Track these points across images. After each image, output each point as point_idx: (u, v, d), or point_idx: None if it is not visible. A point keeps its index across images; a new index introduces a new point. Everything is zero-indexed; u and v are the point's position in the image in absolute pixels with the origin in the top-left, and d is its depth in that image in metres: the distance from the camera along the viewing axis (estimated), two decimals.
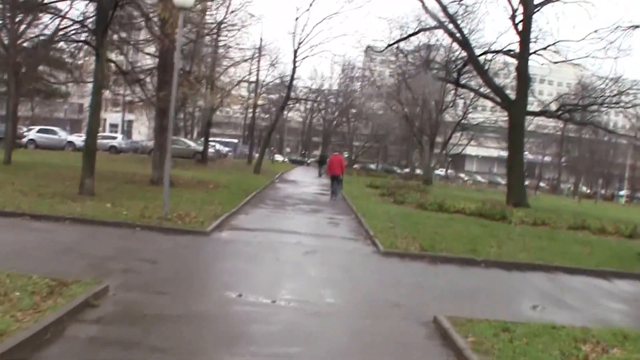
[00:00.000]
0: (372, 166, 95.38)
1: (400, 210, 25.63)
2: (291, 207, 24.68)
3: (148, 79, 32.03)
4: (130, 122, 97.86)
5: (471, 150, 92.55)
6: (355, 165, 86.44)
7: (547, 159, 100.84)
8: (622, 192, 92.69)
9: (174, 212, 17.93)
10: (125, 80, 31.98)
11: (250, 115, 65.85)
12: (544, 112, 39.85)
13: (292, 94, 62.33)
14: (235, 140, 74.13)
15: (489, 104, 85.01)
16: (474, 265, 15.25)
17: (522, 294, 12.85)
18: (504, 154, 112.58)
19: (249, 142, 63.57)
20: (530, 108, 40.69)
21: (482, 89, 43.62)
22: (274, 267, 12.71)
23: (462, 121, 60.92)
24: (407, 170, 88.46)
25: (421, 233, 18.80)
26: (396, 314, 10.03)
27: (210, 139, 58.74)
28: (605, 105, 37.13)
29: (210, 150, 53.03)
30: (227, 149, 64.60)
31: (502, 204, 35.11)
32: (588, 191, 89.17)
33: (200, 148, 50.23)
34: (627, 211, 52.06)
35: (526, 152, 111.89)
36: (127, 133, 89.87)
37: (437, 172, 73.05)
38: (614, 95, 36.13)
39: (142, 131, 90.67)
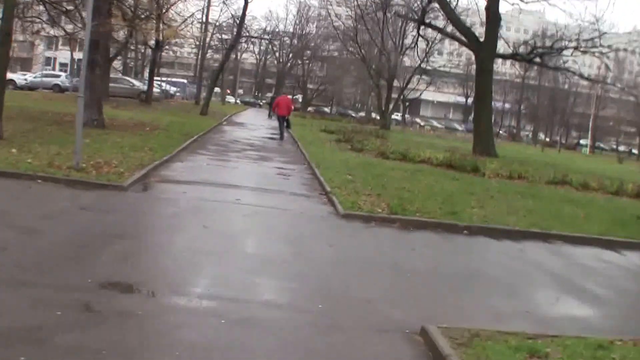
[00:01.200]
0: (326, 109, 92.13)
1: (360, 160, 22.36)
2: (236, 154, 21.24)
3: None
4: (80, 60, 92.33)
5: (427, 95, 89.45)
6: (309, 109, 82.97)
7: (507, 105, 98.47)
8: (583, 142, 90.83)
9: (92, 160, 14.39)
10: (45, 9, 27.76)
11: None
12: (515, 56, 36.44)
13: (245, 34, 58.44)
14: (184, 81, 69.58)
15: (448, 48, 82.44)
16: (455, 232, 12.14)
17: (529, 278, 9.65)
18: (461, 99, 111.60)
19: (197, 82, 59.22)
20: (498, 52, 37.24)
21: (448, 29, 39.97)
22: (197, 240, 9.29)
23: (422, 65, 57.33)
24: (362, 114, 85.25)
25: (387, 189, 15.59)
26: (366, 320, 6.75)
27: (158, 78, 54.75)
28: (582, 48, 33.96)
29: (157, 90, 48.90)
30: (175, 89, 60.30)
31: (468, 153, 32.36)
32: (547, 139, 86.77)
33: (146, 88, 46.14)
34: (595, 162, 49.51)
35: None
36: (77, 72, 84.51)
37: (394, 116, 69.67)
38: (591, 39, 33.01)
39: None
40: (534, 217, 14.30)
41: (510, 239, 12.14)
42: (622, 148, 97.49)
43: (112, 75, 44.05)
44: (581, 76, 37.59)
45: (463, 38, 35.17)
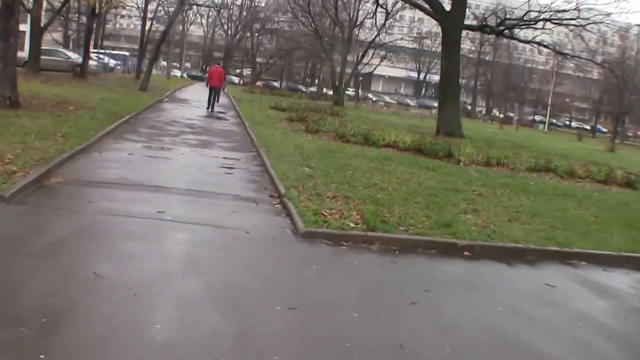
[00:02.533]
0: (276, 84, 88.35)
1: (317, 144, 19.05)
2: (171, 139, 17.69)
3: None
4: (23, 32, 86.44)
5: (378, 70, 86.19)
6: (258, 83, 79.09)
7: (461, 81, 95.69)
8: (537, 118, 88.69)
9: None
10: None
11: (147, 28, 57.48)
12: (484, 27, 33.10)
13: (191, 1, 54.36)
14: (126, 53, 64.85)
15: (407, 20, 79.00)
16: (454, 255, 9.05)
17: (590, 349, 6.43)
18: (413, 74, 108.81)
19: (138, 54, 54.78)
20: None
21: None
22: (72, 312, 5.66)
23: (378, 38, 53.82)
24: (312, 89, 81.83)
25: (355, 187, 12.41)
26: None
27: (97, 51, 50.55)
28: (556, 21, 30.86)
29: (95, 63, 44.65)
30: (116, 62, 55.85)
31: (431, 132, 29.52)
32: (501, 116, 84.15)
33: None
34: (556, 140, 46.73)
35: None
36: None
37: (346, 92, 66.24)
38: (569, 10, 29.97)
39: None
40: (539, 223, 11.29)
41: (525, 263, 9.10)
42: (574, 124, 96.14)
43: (44, 47, 39.92)
44: (556, 50, 34.49)
45: (427, 6, 31.87)
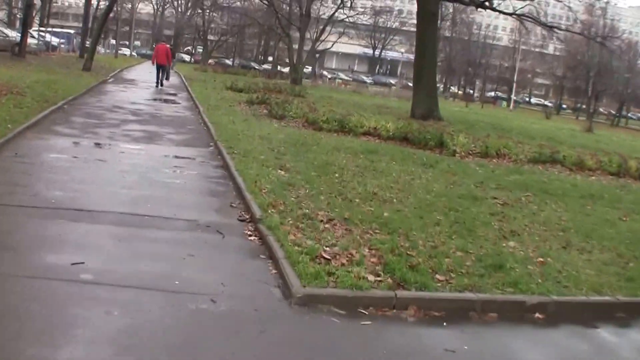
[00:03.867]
0: (228, 62, 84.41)
1: (287, 134, 15.79)
2: (111, 131, 14.24)
3: None
4: None
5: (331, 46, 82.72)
6: (210, 61, 75.20)
7: None
8: (497, 94, 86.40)
9: None
10: None
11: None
12: None
13: None
14: (71, 31, 60.10)
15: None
16: (522, 320, 6.13)
17: None
18: (368, 51, 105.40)
19: (81, 32, 50.14)
20: None
21: None
22: None
23: (337, 13, 50.27)
24: (266, 66, 78.14)
25: (352, 200, 9.37)
26: None
27: (39, 29, 46.15)
28: None
29: (34, 41, 40.33)
30: (60, 40, 51.27)
31: (404, 113, 26.65)
32: (460, 93, 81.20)
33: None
34: (525, 118, 43.53)
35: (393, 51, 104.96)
36: None
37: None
38: None
39: None
40: (600, 249, 8.45)
41: (619, 326, 6.18)
42: (533, 101, 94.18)
43: None
44: (543, 24, 31.23)
45: None
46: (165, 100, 23.32)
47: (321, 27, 56.48)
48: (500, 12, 31.66)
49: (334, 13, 51.04)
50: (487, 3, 28.60)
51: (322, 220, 7.84)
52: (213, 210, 8.54)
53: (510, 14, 30.21)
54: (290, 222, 7.58)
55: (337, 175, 11.20)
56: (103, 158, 11.06)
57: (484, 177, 12.98)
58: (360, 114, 21.09)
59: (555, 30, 30.80)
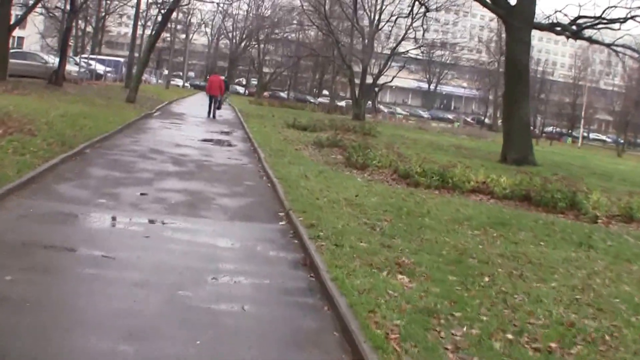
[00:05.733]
0: (283, 94, 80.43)
1: (380, 196, 11.24)
2: (139, 193, 9.78)
3: None
4: (21, 38, 77.12)
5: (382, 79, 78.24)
6: (265, 93, 71.23)
7: (475, 92, 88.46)
8: (558, 131, 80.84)
9: None
10: None
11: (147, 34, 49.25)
12: (555, 26, 24.98)
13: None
14: (120, 59, 56.32)
15: (441, 20, 70.48)
16: None
17: None
18: (423, 85, 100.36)
19: (127, 61, 45.96)
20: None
21: None
22: None
23: (414, 38, 45.22)
24: (321, 99, 73.88)
25: (548, 351, 4.77)
26: None
27: (86, 56, 42.58)
28: None
29: (75, 69, 36.43)
30: (107, 68, 47.40)
31: (493, 158, 22.70)
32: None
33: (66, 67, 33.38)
34: (600, 157, 38.41)
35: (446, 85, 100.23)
36: None
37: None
38: None
39: (35, 49, 70.56)
40: None
41: None
42: (592, 135, 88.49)
43: (17, 50, 31.97)
44: None
45: (488, 1, 23.91)
46: (218, 142, 18.86)
47: (382, 61, 51.83)
48: (596, 42, 26.75)
49: (398, 44, 46.29)
50: (582, 33, 23.86)
51: None
52: None
53: (607, 45, 25.39)
54: None
55: (486, 279, 6.78)
56: (111, 251, 6.58)
57: None
58: (465, 165, 16.40)
59: None
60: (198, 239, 7.60)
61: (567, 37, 26.03)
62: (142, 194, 9.56)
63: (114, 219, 8.13)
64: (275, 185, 11.31)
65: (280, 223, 8.91)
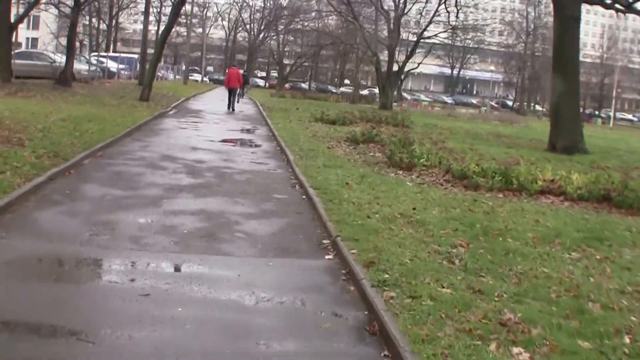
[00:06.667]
0: (304, 85, 78.38)
1: (443, 207, 9.03)
2: (142, 220, 7.64)
3: None
4: (35, 39, 75.38)
5: (408, 66, 75.64)
6: (286, 85, 69.12)
7: (498, 76, 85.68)
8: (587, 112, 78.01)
9: None
10: None
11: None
12: None
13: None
14: (134, 56, 53.81)
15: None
16: None
17: None
18: (445, 70, 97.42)
19: (139, 58, 43.53)
20: None
21: None
22: None
23: (450, 21, 42.70)
24: (343, 89, 71.52)
25: None
26: None
27: (98, 54, 40.49)
28: None
29: (85, 67, 34.12)
30: (120, 66, 45.10)
31: (540, 147, 20.80)
32: (544, 110, 72.53)
33: (75, 66, 31.13)
34: None
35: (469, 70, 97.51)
36: None
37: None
38: None
39: (49, 49, 69.04)
40: None
41: None
42: (618, 115, 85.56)
43: (23, 50, 29.87)
44: None
45: None
46: (240, 142, 16.64)
47: (407, 47, 49.35)
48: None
49: (425, 27, 43.80)
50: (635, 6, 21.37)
51: None
52: None
53: None
54: None
55: (627, 340, 4.76)
56: (91, 327, 4.43)
57: None
58: (529, 162, 14.11)
59: None
60: (219, 295, 5.37)
61: (617, 12, 23.55)
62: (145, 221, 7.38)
63: (100, 266, 5.94)
64: (312, 198, 9.08)
65: (327, 257, 6.69)
